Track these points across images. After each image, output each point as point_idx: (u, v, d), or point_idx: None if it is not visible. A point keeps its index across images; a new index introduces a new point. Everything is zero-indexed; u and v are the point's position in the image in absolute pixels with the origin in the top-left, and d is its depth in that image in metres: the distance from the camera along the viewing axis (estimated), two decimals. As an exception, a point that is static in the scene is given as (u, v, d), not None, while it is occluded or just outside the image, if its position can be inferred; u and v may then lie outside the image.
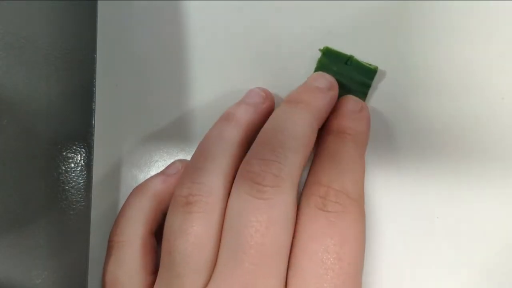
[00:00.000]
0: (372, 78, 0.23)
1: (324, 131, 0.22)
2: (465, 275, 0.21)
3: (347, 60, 0.22)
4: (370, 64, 0.22)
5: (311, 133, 0.20)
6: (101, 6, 0.22)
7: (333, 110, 0.22)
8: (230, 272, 0.18)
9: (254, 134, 0.22)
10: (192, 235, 0.19)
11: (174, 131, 0.24)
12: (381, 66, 0.23)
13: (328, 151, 0.21)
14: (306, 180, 0.21)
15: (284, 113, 0.21)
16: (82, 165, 0.20)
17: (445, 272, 0.21)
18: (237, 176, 0.20)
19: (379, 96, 0.23)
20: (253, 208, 0.18)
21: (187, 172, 0.21)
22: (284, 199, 0.19)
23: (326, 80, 0.22)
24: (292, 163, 0.19)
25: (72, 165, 0.20)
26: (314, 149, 0.22)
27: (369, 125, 0.22)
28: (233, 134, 0.21)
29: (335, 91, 0.22)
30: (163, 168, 0.24)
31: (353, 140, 0.20)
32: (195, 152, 0.21)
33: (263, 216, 0.18)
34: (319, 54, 0.23)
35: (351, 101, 0.22)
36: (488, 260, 0.21)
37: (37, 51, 0.20)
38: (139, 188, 0.23)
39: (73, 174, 0.20)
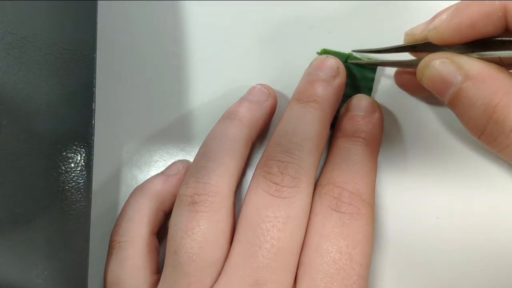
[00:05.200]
0: (374, 72, 0.23)
1: (337, 131, 0.22)
2: (465, 274, 0.21)
3: (347, 58, 0.22)
4: (369, 59, 0.22)
5: (324, 131, 0.21)
6: (101, 6, 0.22)
7: (346, 110, 0.22)
8: (243, 265, 0.18)
9: (258, 132, 0.22)
10: (199, 234, 0.19)
11: (174, 131, 0.24)
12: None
13: (342, 152, 0.21)
14: (319, 179, 0.21)
15: (297, 112, 0.21)
16: (82, 165, 0.20)
17: (445, 270, 0.21)
18: (254, 175, 0.20)
19: (380, 97, 0.23)
20: (271, 205, 0.19)
21: (191, 172, 0.21)
22: (302, 198, 0.19)
23: (330, 66, 0.21)
24: (309, 163, 0.20)
25: (72, 165, 0.20)
26: (326, 148, 0.22)
27: (382, 127, 0.22)
28: (237, 133, 0.21)
29: (341, 76, 0.21)
30: (163, 168, 0.24)
31: (366, 143, 0.21)
32: (198, 151, 0.21)
33: (281, 212, 0.19)
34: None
35: (364, 102, 0.21)
36: (487, 258, 0.21)
37: (37, 51, 0.20)
38: (140, 189, 0.23)
39: (73, 174, 0.20)
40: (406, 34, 0.20)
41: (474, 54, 0.17)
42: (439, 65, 0.18)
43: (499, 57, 0.17)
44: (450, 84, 0.17)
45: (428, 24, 0.19)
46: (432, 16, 0.20)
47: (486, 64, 0.17)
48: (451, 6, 0.18)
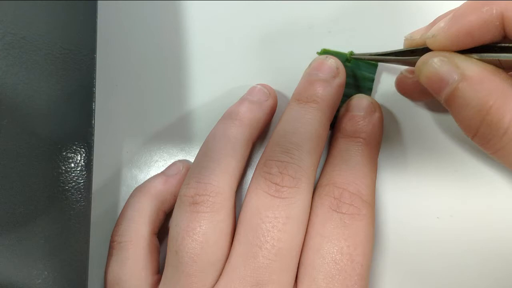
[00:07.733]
0: (374, 72, 0.23)
1: (337, 132, 0.22)
2: (465, 274, 0.21)
3: (347, 58, 0.22)
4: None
5: (323, 132, 0.21)
6: (101, 6, 0.22)
7: (346, 110, 0.22)
8: (244, 266, 0.19)
9: (258, 132, 0.22)
10: (200, 234, 0.19)
11: (174, 131, 0.24)
12: (382, 66, 0.23)
13: (342, 153, 0.21)
14: (319, 180, 0.21)
15: (296, 113, 0.21)
16: (82, 165, 0.20)
17: (445, 270, 0.21)
18: (254, 175, 0.20)
19: (380, 97, 0.23)
20: (271, 205, 0.19)
21: (192, 172, 0.21)
22: (301, 198, 0.19)
23: (330, 67, 0.21)
24: (308, 164, 0.20)
25: (72, 165, 0.20)
26: (326, 149, 0.22)
27: (382, 128, 0.22)
28: (238, 133, 0.21)
29: (341, 76, 0.21)
30: (163, 168, 0.24)
31: (366, 144, 0.21)
32: (199, 151, 0.21)
33: (281, 213, 0.19)
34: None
35: (364, 102, 0.21)
36: (487, 258, 0.21)
37: (37, 51, 0.20)
38: (140, 189, 0.23)
39: (73, 174, 0.20)
40: (406, 39, 0.20)
41: (474, 55, 0.17)
42: (437, 63, 0.18)
43: (498, 60, 0.17)
44: (446, 83, 0.17)
45: (427, 29, 0.19)
46: (432, 20, 0.20)
47: (484, 65, 0.17)
48: (450, 12, 0.18)
